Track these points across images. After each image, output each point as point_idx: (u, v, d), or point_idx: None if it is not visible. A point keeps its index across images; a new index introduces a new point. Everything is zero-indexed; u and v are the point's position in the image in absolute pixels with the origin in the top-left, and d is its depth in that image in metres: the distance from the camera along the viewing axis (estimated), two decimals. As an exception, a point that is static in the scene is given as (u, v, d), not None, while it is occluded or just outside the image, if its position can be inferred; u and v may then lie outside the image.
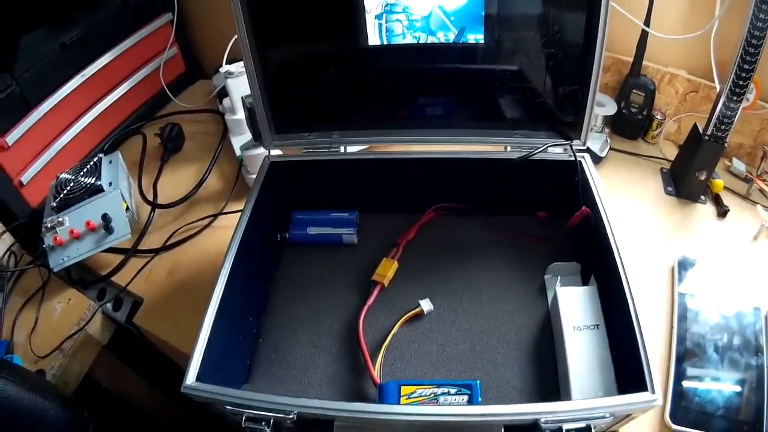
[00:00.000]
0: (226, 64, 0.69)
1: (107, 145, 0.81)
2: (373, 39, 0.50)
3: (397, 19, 0.49)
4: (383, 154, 0.52)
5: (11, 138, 0.69)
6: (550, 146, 0.51)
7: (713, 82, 0.67)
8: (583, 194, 0.50)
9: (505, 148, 0.52)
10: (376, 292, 0.49)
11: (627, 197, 0.66)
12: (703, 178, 0.65)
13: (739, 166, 0.71)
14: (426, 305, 0.49)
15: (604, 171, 0.69)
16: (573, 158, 0.51)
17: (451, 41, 0.50)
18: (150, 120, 0.87)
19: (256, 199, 0.49)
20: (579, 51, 0.49)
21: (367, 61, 0.51)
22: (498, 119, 0.53)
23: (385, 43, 0.50)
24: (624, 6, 0.64)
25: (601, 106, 0.70)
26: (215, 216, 0.67)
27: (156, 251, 0.64)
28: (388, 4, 0.49)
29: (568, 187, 0.52)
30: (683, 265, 0.57)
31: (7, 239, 0.72)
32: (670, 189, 0.68)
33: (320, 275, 0.53)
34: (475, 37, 0.50)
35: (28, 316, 0.65)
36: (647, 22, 0.65)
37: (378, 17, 0.49)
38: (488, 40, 0.49)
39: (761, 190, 0.68)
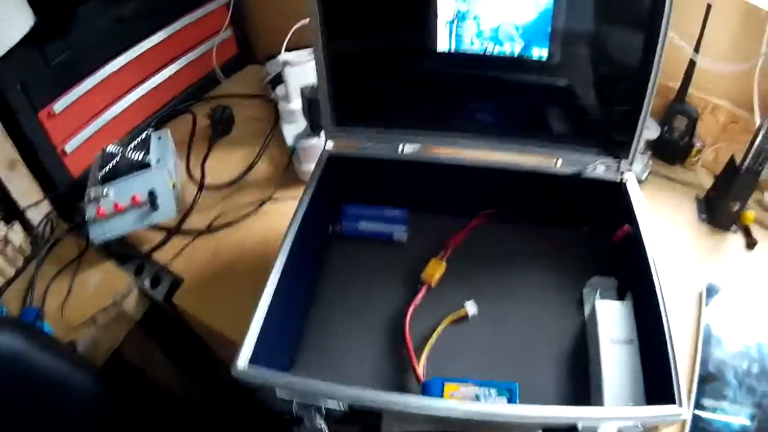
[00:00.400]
0: (284, 51, 0.69)
1: (154, 122, 0.81)
2: (443, 44, 0.51)
3: (468, 27, 0.50)
4: (438, 158, 0.53)
5: (59, 106, 0.70)
6: (598, 164, 0.52)
7: (754, 112, 0.68)
8: (626, 213, 0.52)
9: (556, 161, 0.53)
10: (423, 292, 0.50)
11: (663, 220, 0.67)
12: (736, 209, 0.66)
13: (769, 199, 0.72)
14: (471, 308, 0.50)
15: (643, 192, 0.70)
16: (619, 177, 0.53)
17: (516, 53, 0.51)
18: (198, 101, 0.87)
19: (314, 190, 0.50)
20: (635, 72, 0.50)
21: (432, 65, 0.52)
22: (550, 132, 0.54)
23: (453, 49, 0.51)
24: (675, 32, 0.65)
25: (646, 129, 0.71)
26: (263, 202, 0.67)
27: (200, 232, 0.65)
28: (460, 11, 0.50)
29: (613, 204, 0.53)
30: (711, 292, 0.59)
31: (44, 207, 0.72)
32: (703, 216, 0.69)
33: (368, 270, 0.54)
34: (540, 51, 0.51)
35: (60, 285, 0.65)
36: (696, 50, 0.66)
37: (450, 23, 0.50)
38: (551, 55, 0.51)
39: (789, 226, 0.69)
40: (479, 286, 0.52)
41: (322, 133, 0.55)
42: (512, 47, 0.51)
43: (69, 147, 0.72)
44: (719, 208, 0.68)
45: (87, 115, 0.73)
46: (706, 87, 0.72)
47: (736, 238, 0.67)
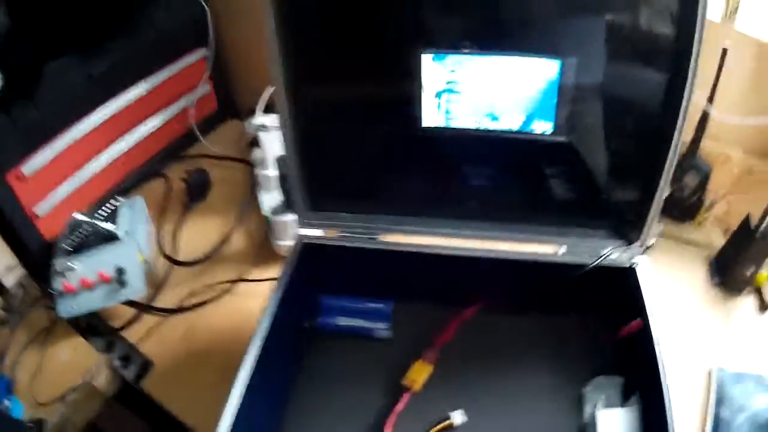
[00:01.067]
0: (261, 112, 0.64)
1: (128, 185, 0.77)
2: (430, 118, 0.46)
3: (459, 99, 0.45)
4: (425, 248, 0.49)
5: (28, 168, 0.66)
6: (607, 251, 0.47)
7: (770, 164, 0.64)
8: (636, 301, 0.47)
9: (558, 248, 0.49)
10: (405, 399, 0.46)
11: (669, 286, 0.63)
12: (750, 273, 0.62)
13: (785, 254, 0.67)
14: (458, 418, 0.45)
15: (650, 256, 0.65)
16: (629, 262, 0.48)
17: (515, 129, 0.46)
18: (175, 159, 0.83)
19: (286, 282, 0.46)
20: (651, 145, 0.45)
21: (419, 142, 0.47)
22: (553, 214, 0.49)
23: (443, 125, 0.46)
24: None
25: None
26: (236, 281, 0.64)
27: (170, 312, 0.61)
28: (449, 81, 0.45)
29: (619, 289, 0.49)
30: (720, 369, 0.54)
31: (18, 271, 0.69)
32: (715, 280, 0.64)
33: (348, 369, 0.49)
34: (544, 125, 0.45)
35: (31, 356, 0.62)
36: (710, 99, 0.60)
37: (438, 95, 0.45)
38: (555, 130, 0.45)
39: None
40: (468, 389, 0.48)
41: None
42: (511, 122, 0.46)
43: (40, 210, 0.68)
44: (732, 272, 0.62)
45: (58, 178, 0.69)
46: (718, 136, 0.67)
47: (747, 302, 0.62)
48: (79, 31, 0.68)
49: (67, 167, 0.70)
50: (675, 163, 0.44)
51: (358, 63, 0.46)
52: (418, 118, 0.46)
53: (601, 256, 0.47)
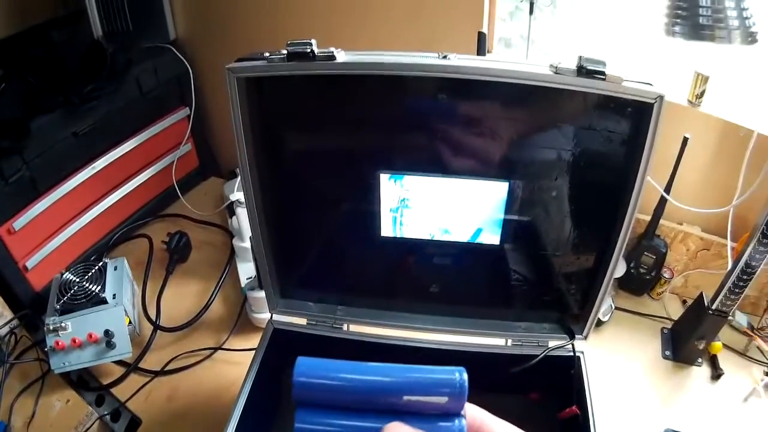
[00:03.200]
0: (237, 187, 0.66)
1: (114, 240, 0.81)
2: (386, 230, 0.50)
3: (413, 214, 0.49)
4: (384, 338, 0.53)
5: (19, 223, 0.69)
6: (550, 346, 0.51)
7: (726, 239, 0.66)
8: (577, 388, 0.51)
9: (506, 341, 0.52)
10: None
11: (624, 361, 0.67)
12: (702, 347, 0.65)
13: (741, 320, 0.71)
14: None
15: (605, 331, 0.69)
16: (572, 351, 0.52)
17: (464, 241, 0.49)
18: (157, 217, 0.86)
19: (258, 366, 0.50)
20: (594, 252, 0.49)
21: (379, 247, 0.51)
22: (502, 310, 0.53)
23: (398, 235, 0.50)
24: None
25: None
26: (216, 349, 0.67)
27: (156, 373, 0.65)
28: (403, 198, 0.48)
29: (564, 374, 0.53)
30: None
31: (8, 318, 0.73)
32: (667, 353, 0.68)
33: None
34: (490, 239, 0.49)
35: (26, 402, 0.66)
36: (668, 189, 0.63)
37: (393, 210, 0.49)
38: (503, 241, 0.49)
39: (759, 347, 0.68)
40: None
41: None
42: (461, 235, 0.50)
43: (30, 263, 0.72)
44: (685, 346, 0.66)
45: (47, 232, 0.73)
46: (676, 216, 0.70)
47: (701, 371, 0.66)
48: (64, 90, 0.70)
49: (56, 222, 0.74)
50: (616, 266, 0.48)
51: (324, 176, 0.50)
52: (378, 229, 0.50)
53: (546, 349, 0.51)
